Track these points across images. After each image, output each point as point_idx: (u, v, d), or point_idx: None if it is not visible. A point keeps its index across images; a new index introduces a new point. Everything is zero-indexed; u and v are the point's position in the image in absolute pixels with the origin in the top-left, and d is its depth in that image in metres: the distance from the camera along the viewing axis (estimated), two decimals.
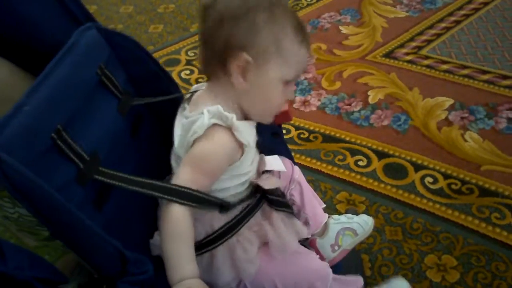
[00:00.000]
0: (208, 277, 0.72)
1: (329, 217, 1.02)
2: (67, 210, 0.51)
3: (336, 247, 0.98)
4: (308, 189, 0.97)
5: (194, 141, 0.66)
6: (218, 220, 0.73)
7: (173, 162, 0.75)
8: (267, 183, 0.77)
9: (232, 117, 0.67)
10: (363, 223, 1.01)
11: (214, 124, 0.66)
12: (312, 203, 0.97)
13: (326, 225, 1.00)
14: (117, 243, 0.55)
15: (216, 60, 0.69)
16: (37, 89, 0.56)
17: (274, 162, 0.83)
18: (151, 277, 0.58)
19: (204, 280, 0.66)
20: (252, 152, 0.75)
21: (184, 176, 0.66)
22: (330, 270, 0.83)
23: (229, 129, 0.67)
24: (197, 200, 0.65)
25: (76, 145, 0.59)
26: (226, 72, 0.68)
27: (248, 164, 0.74)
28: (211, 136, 0.66)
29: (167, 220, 0.64)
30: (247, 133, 0.71)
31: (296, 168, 0.96)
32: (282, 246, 0.77)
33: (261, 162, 0.80)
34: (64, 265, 0.68)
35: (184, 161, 0.67)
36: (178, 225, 0.64)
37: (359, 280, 0.89)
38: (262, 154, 0.82)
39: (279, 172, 0.91)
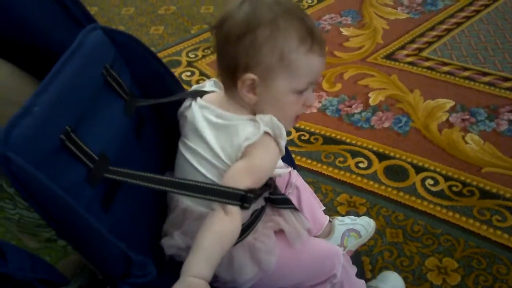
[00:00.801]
0: (229, 276, 0.73)
1: (334, 218, 1.03)
2: (75, 211, 0.51)
3: (342, 248, 0.98)
4: (306, 192, 0.97)
5: (248, 147, 0.68)
6: None
7: (188, 154, 0.74)
8: (275, 173, 0.78)
9: (282, 126, 0.70)
10: (366, 225, 1.02)
11: (265, 133, 0.69)
12: (311, 206, 0.97)
13: (331, 226, 1.00)
14: (122, 245, 0.55)
15: (226, 76, 0.72)
16: (45, 90, 0.55)
17: None
18: (154, 280, 0.57)
19: (226, 279, 0.71)
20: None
21: (245, 183, 0.67)
22: (339, 248, 0.87)
23: (275, 138, 0.70)
24: (219, 194, 0.64)
25: (85, 146, 0.59)
26: (237, 87, 0.70)
27: None
28: (267, 146, 0.69)
29: (222, 218, 0.64)
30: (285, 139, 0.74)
31: (294, 171, 0.96)
32: (297, 234, 0.79)
33: None
34: (65, 266, 0.69)
35: (241, 169, 0.68)
36: (229, 227, 0.65)
37: (355, 267, 0.91)
38: None
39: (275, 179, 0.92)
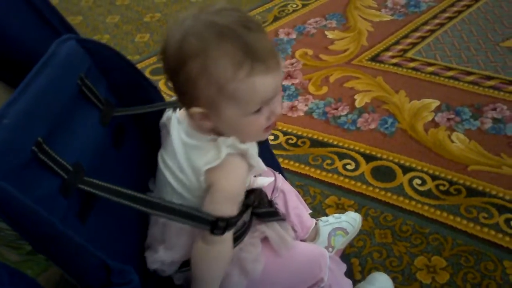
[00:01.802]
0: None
1: (318, 220, 1.03)
2: (48, 222, 0.51)
3: (330, 249, 0.99)
4: (292, 196, 0.97)
5: (208, 171, 0.67)
6: None
7: (163, 167, 0.74)
8: (261, 183, 0.78)
9: (247, 148, 0.68)
10: (351, 221, 1.02)
11: (228, 154, 0.67)
12: (297, 210, 0.97)
13: (316, 229, 1.00)
14: (100, 254, 0.55)
15: (181, 103, 0.71)
16: (16, 102, 0.55)
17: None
18: (136, 286, 0.57)
19: None
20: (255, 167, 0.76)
21: (227, 212, 0.68)
22: (325, 250, 0.87)
23: (242, 154, 0.69)
24: (191, 217, 0.66)
25: (58, 157, 0.58)
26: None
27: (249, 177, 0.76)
28: (231, 167, 0.68)
29: (223, 255, 0.70)
30: (254, 153, 0.73)
31: (279, 176, 0.96)
32: (283, 242, 0.79)
33: None
34: (47, 279, 0.68)
35: (217, 200, 0.68)
36: (228, 261, 0.71)
37: (344, 265, 0.92)
38: None
39: (260, 175, 0.92)
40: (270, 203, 0.87)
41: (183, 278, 0.77)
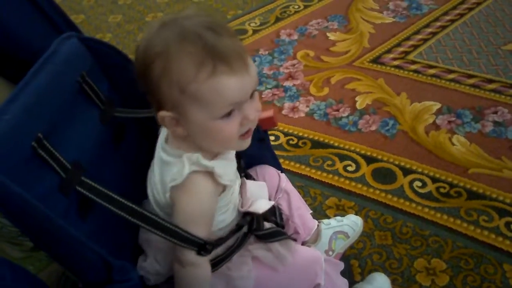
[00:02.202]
0: None
1: (320, 222, 1.02)
2: (49, 220, 0.51)
3: (330, 252, 0.98)
4: (296, 197, 0.97)
5: (173, 189, 0.66)
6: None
7: (150, 176, 0.73)
8: (259, 208, 0.75)
9: (213, 166, 0.65)
10: (353, 225, 1.02)
11: (193, 172, 0.64)
12: (300, 210, 0.97)
13: (318, 231, 1.00)
14: (101, 250, 0.55)
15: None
16: (17, 98, 0.55)
17: (257, 189, 0.82)
18: (137, 284, 0.57)
19: None
20: (233, 189, 0.73)
21: (197, 234, 0.66)
22: (319, 252, 0.86)
23: (209, 172, 0.66)
24: (177, 236, 0.65)
25: (58, 154, 0.58)
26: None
27: (229, 195, 0.73)
28: (193, 189, 0.65)
29: (200, 279, 0.68)
30: (227, 172, 0.69)
31: (283, 176, 0.96)
32: (279, 259, 0.77)
33: (243, 187, 0.80)
34: (48, 276, 0.68)
35: (181, 220, 0.66)
36: (207, 284, 0.69)
37: (341, 263, 0.90)
38: (244, 179, 0.81)
39: (264, 176, 0.92)
40: (280, 218, 0.87)
41: None
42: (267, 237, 0.78)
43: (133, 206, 0.62)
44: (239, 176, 0.80)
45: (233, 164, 0.74)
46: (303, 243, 0.98)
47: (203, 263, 0.68)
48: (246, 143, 0.69)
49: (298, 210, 0.95)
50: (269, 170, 0.94)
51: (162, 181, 0.68)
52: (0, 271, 0.49)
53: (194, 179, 0.65)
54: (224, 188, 0.69)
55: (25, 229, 0.52)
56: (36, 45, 0.66)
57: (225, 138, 0.65)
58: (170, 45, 0.59)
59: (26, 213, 0.49)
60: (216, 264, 0.73)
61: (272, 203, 0.80)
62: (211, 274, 0.71)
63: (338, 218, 1.04)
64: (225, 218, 0.75)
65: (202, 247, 0.66)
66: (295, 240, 0.83)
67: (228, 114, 0.63)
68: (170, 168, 0.66)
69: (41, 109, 0.58)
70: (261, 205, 0.76)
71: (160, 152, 0.70)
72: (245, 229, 0.76)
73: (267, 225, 0.82)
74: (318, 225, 1.01)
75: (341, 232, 1.01)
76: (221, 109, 0.62)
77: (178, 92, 0.60)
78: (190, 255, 0.66)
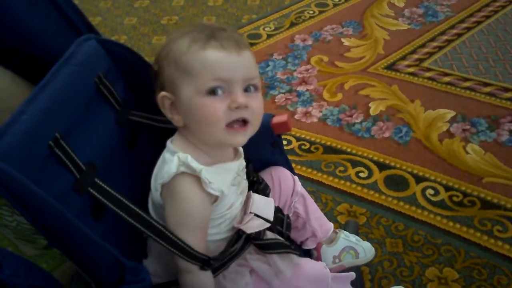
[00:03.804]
0: None
1: (340, 231, 1.02)
2: (65, 218, 0.51)
3: (337, 260, 0.98)
4: (311, 200, 0.97)
5: (162, 187, 0.66)
6: None
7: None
8: (249, 227, 0.74)
9: (201, 169, 0.65)
10: (367, 250, 1.01)
11: (183, 173, 0.65)
12: (317, 213, 0.97)
13: (336, 237, 1.00)
14: (114, 251, 0.55)
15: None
16: (36, 98, 0.56)
17: (262, 205, 0.80)
18: (149, 285, 0.57)
19: None
20: (229, 197, 0.71)
21: (190, 242, 0.66)
22: (328, 270, 0.83)
23: (196, 177, 0.65)
24: (182, 250, 0.65)
25: (74, 154, 0.59)
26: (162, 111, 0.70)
27: (225, 209, 0.72)
28: (175, 191, 0.65)
29: (199, 284, 0.68)
30: (218, 180, 0.68)
31: (296, 179, 0.95)
32: (276, 273, 0.76)
33: (247, 202, 0.78)
34: (62, 274, 0.68)
35: (173, 228, 0.66)
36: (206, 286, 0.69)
37: (352, 274, 0.88)
38: (251, 193, 0.80)
39: (280, 187, 0.91)
40: (288, 227, 0.86)
41: None
42: (266, 248, 0.77)
43: (142, 214, 0.63)
44: (245, 192, 0.79)
45: (230, 174, 0.72)
46: (318, 244, 0.98)
47: (196, 269, 0.67)
48: (237, 137, 0.68)
49: (315, 213, 0.95)
50: (284, 172, 0.94)
51: (155, 177, 0.69)
52: (15, 268, 0.50)
53: (181, 181, 0.65)
54: (216, 198, 0.68)
55: (39, 227, 0.52)
56: (54, 45, 0.67)
57: (209, 117, 0.65)
58: (176, 35, 0.68)
59: (43, 211, 0.50)
60: (213, 271, 0.72)
61: (268, 225, 0.78)
62: (213, 280, 0.70)
63: (358, 238, 1.03)
64: (219, 231, 0.73)
65: (206, 262, 0.66)
66: (298, 254, 0.81)
67: (214, 92, 0.65)
68: (164, 166, 0.67)
69: (59, 109, 0.59)
70: (253, 225, 0.75)
71: (164, 151, 0.71)
72: (243, 237, 0.75)
73: (269, 235, 0.81)
74: (337, 232, 1.01)
75: (354, 250, 1.00)
76: (207, 82, 0.65)
77: (174, 68, 0.67)
78: (183, 261, 0.66)
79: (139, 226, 0.63)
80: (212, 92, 0.65)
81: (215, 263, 0.67)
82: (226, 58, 0.65)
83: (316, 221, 0.95)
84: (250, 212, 0.76)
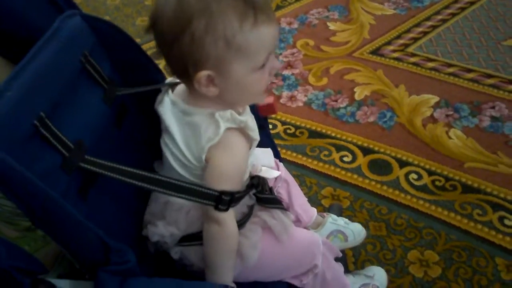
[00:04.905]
0: None
1: (328, 215, 1.03)
2: (49, 197, 0.50)
3: None
4: (295, 186, 0.97)
5: (210, 148, 0.66)
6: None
7: (166, 150, 0.73)
8: (269, 174, 0.79)
9: (246, 120, 0.68)
10: (356, 233, 1.02)
11: (227, 129, 0.66)
12: (301, 198, 0.97)
13: (321, 221, 1.00)
14: (99, 231, 0.54)
15: (180, 76, 0.69)
16: (19, 75, 0.54)
17: (263, 155, 0.84)
18: (133, 266, 0.57)
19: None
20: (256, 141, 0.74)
21: (230, 190, 0.67)
22: (317, 235, 0.87)
23: (241, 129, 0.68)
24: (191, 193, 0.65)
25: (60, 133, 0.58)
26: (194, 85, 0.66)
27: (253, 154, 0.76)
28: (230, 143, 0.67)
29: (225, 236, 0.69)
30: (255, 128, 0.71)
31: (281, 165, 0.96)
32: (284, 228, 0.78)
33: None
34: (44, 256, 0.67)
35: (213, 179, 0.67)
36: (234, 242, 0.71)
37: (338, 251, 0.91)
38: None
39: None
40: (271, 191, 0.87)
41: (180, 252, 0.77)
42: (268, 202, 0.79)
43: (141, 172, 0.62)
44: None
45: (254, 118, 0.75)
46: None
47: (227, 220, 0.68)
48: (264, 98, 0.73)
49: (298, 199, 0.96)
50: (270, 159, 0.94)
51: (191, 146, 0.68)
52: None
53: (231, 136, 0.67)
54: (251, 144, 0.71)
55: (24, 207, 0.51)
56: (36, 25, 0.64)
57: (257, 90, 0.68)
58: (210, 1, 0.60)
59: (26, 191, 0.49)
60: None
61: (279, 172, 0.85)
62: (238, 232, 0.72)
63: (347, 220, 1.04)
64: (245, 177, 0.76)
65: (218, 199, 0.66)
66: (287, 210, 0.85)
67: (263, 66, 0.65)
68: (202, 130, 0.67)
69: (44, 87, 0.57)
70: (272, 172, 0.81)
71: (182, 117, 0.70)
72: (253, 190, 0.77)
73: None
74: (325, 215, 1.01)
75: (343, 233, 1.01)
76: (262, 59, 0.64)
77: (223, 46, 0.61)
78: (213, 211, 0.67)
79: (143, 184, 0.62)
80: (262, 66, 0.66)
81: (228, 199, 0.66)
82: (275, 31, 0.65)
83: (299, 207, 0.96)
84: (254, 164, 0.79)
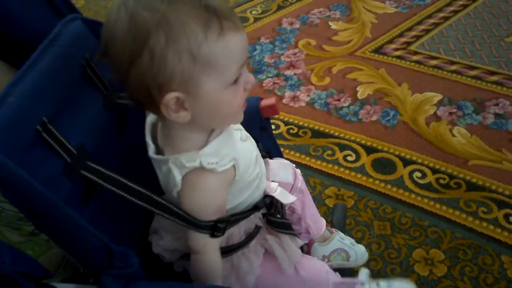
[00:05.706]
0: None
1: (337, 231, 1.02)
2: (52, 203, 0.50)
3: (326, 260, 0.98)
4: (308, 196, 0.95)
5: (179, 193, 0.63)
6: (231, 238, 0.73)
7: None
8: (285, 199, 0.75)
9: (199, 159, 0.60)
10: (359, 255, 1.01)
11: (191, 171, 0.61)
12: (312, 209, 0.96)
13: (330, 237, 0.99)
14: (103, 236, 0.54)
15: (145, 105, 0.61)
16: (21, 80, 0.54)
17: (279, 171, 0.81)
18: (137, 270, 0.57)
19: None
20: (244, 161, 0.67)
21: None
22: (330, 272, 0.83)
23: (209, 169, 0.61)
24: (187, 221, 0.64)
25: (63, 138, 0.58)
26: (162, 113, 0.58)
27: (249, 173, 0.69)
28: (194, 187, 0.62)
29: (203, 264, 0.67)
30: (225, 147, 0.64)
31: (298, 173, 0.93)
32: (290, 261, 0.76)
33: (266, 166, 0.77)
34: (48, 260, 0.68)
35: (196, 216, 0.64)
36: (215, 269, 0.68)
37: (356, 282, 0.88)
38: (267, 160, 0.79)
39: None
40: (283, 211, 0.85)
41: (183, 266, 0.76)
42: (278, 226, 0.76)
43: (140, 189, 0.61)
44: (260, 156, 0.76)
45: (235, 134, 0.69)
46: (310, 240, 0.98)
47: (207, 250, 0.67)
48: (241, 116, 0.65)
49: (310, 210, 0.94)
50: (286, 167, 0.91)
51: (165, 185, 0.67)
52: (0, 254, 0.49)
53: (195, 178, 0.62)
54: (234, 168, 0.65)
55: (26, 212, 0.51)
56: (36, 28, 0.65)
57: (236, 108, 0.62)
58: (167, 13, 0.52)
59: (29, 196, 0.49)
60: (234, 249, 0.73)
61: (295, 198, 0.78)
62: (221, 261, 0.70)
63: (353, 241, 1.02)
64: (251, 200, 0.73)
65: (214, 228, 0.64)
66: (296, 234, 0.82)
67: (236, 81, 0.59)
68: (170, 175, 0.63)
69: (46, 92, 0.57)
70: (288, 197, 0.76)
71: (151, 153, 0.67)
72: (263, 210, 0.74)
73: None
74: (333, 232, 1.01)
75: (346, 253, 1.00)
76: (233, 72, 0.58)
77: (189, 61, 0.54)
78: (199, 241, 0.65)
79: (138, 201, 0.61)
80: (235, 81, 0.59)
81: (223, 226, 0.65)
82: (243, 40, 0.58)
83: (311, 217, 0.94)
84: (273, 181, 0.76)
